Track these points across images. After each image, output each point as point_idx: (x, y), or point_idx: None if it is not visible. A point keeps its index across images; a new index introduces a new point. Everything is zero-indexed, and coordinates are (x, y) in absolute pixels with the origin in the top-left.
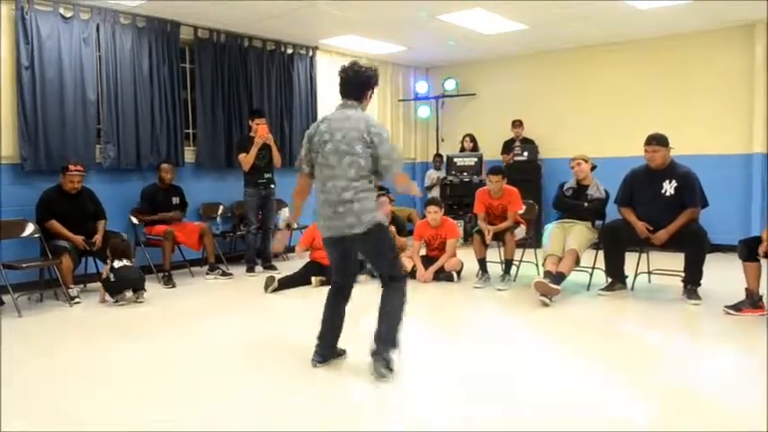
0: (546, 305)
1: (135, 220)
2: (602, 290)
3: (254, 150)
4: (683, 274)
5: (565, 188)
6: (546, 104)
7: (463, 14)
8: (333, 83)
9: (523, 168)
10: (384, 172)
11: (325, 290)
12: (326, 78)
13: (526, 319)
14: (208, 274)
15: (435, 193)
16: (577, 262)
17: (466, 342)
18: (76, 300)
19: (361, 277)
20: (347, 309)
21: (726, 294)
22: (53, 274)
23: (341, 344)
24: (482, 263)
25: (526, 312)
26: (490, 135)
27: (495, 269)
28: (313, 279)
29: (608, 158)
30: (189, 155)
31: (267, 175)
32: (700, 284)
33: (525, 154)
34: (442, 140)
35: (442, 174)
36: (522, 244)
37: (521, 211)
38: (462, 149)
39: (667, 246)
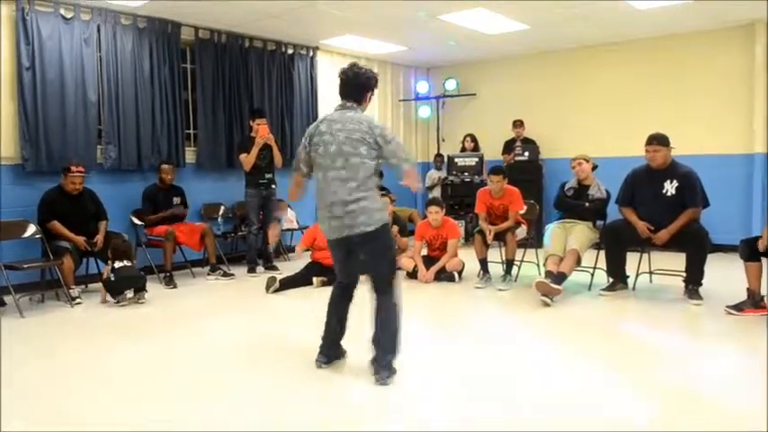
0: (547, 305)
1: (136, 221)
2: (604, 290)
3: (254, 151)
4: (684, 274)
5: (566, 188)
6: (547, 104)
7: (464, 14)
8: (333, 83)
9: (524, 168)
10: (395, 171)
11: (327, 290)
12: (327, 78)
13: (527, 320)
14: (209, 274)
15: (436, 193)
16: (578, 262)
17: (467, 342)
18: (78, 300)
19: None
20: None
21: (727, 294)
22: (54, 274)
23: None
24: (483, 263)
25: (527, 312)
26: (491, 135)
27: (496, 269)
28: (314, 279)
29: (609, 158)
30: (190, 155)
31: (268, 176)
32: (701, 284)
33: (526, 154)
34: (443, 140)
35: (443, 174)
36: (524, 244)
37: (522, 212)
38: (463, 149)
39: (669, 246)
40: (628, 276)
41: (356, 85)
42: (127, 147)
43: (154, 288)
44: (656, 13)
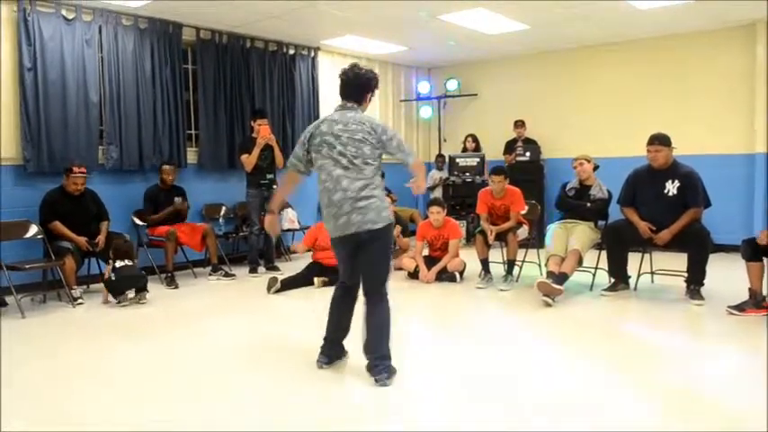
0: (549, 305)
1: (138, 221)
2: (605, 290)
3: (256, 151)
4: (685, 275)
5: (567, 188)
6: (548, 104)
7: (465, 14)
8: (334, 83)
9: (526, 168)
10: (403, 165)
11: (328, 291)
12: (328, 79)
13: (529, 320)
14: (210, 275)
15: (438, 193)
16: (580, 262)
17: (468, 342)
18: (79, 301)
19: None
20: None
21: (729, 294)
22: (56, 275)
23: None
24: (485, 263)
25: (529, 313)
26: (492, 135)
27: (497, 269)
28: (315, 280)
29: (610, 158)
30: (191, 156)
31: (269, 176)
32: (703, 284)
33: (528, 154)
34: (445, 141)
35: (445, 174)
36: (525, 244)
37: (523, 212)
38: (464, 150)
39: (670, 246)
40: (629, 276)
41: (356, 86)
42: (128, 147)
43: (155, 288)
44: (657, 13)
